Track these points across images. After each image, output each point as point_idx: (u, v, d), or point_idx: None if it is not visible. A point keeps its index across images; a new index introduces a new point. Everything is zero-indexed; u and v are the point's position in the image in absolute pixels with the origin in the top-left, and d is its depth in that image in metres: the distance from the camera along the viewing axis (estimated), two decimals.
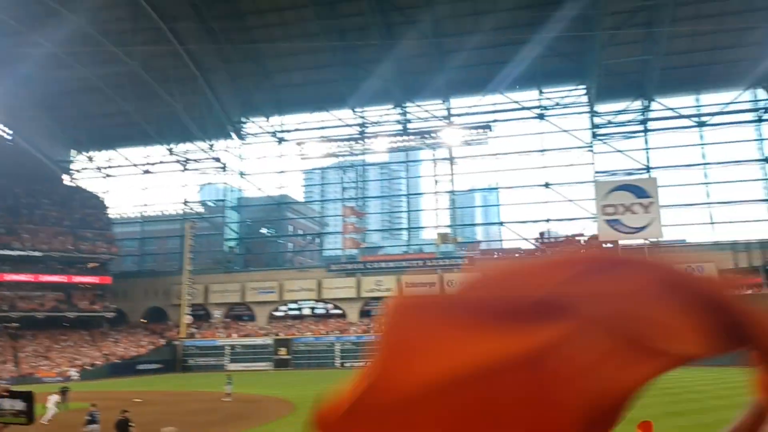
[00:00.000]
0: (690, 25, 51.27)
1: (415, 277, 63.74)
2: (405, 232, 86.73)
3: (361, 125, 70.02)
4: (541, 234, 66.57)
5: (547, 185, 65.34)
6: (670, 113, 62.77)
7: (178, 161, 73.95)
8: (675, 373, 1.06)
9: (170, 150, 73.65)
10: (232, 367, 58.27)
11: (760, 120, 61.08)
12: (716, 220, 61.35)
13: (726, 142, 61.92)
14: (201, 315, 67.24)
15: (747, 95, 61.06)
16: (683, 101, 62.87)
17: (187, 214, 74.66)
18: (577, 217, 64.85)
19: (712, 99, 62.27)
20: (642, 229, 59.91)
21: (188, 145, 72.70)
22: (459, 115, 67.69)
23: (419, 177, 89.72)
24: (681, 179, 62.57)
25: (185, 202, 76.65)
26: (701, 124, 62.31)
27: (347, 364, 56.45)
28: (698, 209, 62.25)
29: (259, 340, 62.32)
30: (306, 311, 66.59)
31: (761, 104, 60.67)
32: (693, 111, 62.91)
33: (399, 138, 66.67)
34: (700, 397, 26.81)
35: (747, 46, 53.71)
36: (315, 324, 64.39)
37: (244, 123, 73.05)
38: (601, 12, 50.28)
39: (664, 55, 54.65)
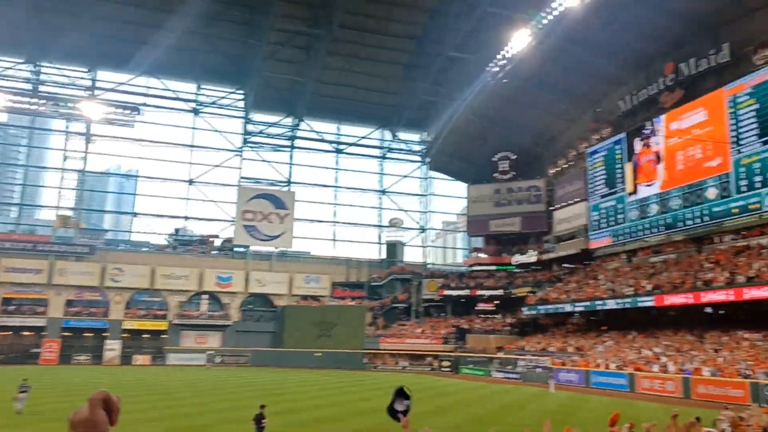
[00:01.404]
0: (342, 62, 56.72)
1: (19, 262, 54.29)
2: (16, 208, 73.88)
3: None
4: (176, 230, 64.40)
5: (191, 182, 63.66)
6: (314, 135, 68.18)
7: None
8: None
9: None
10: None
11: (383, 157, 71.09)
12: (338, 238, 68.69)
13: (355, 171, 70.18)
14: None
15: (377, 134, 70.53)
16: (327, 127, 69.07)
17: None
18: (216, 219, 64.78)
19: (350, 130, 69.99)
20: (275, 237, 63.16)
21: None
22: (105, 89, 61.11)
23: (46, 149, 77.94)
24: (315, 196, 68.34)
25: None
26: (338, 151, 69.34)
27: None
28: (325, 226, 68.76)
29: None
30: None
31: (386, 144, 70.75)
32: (333, 137, 69.60)
33: (25, 99, 56.55)
34: (300, 398, 28.72)
35: (385, 92, 62.09)
36: None
37: None
38: (269, 25, 51.73)
39: (316, 81, 59.19)
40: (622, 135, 47.42)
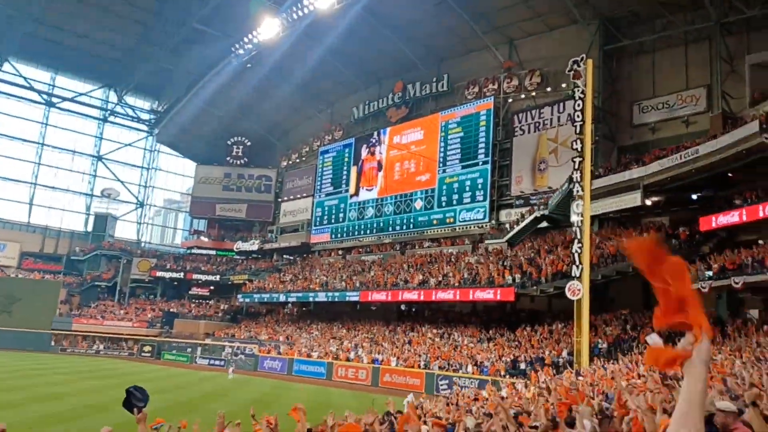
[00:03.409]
0: (71, 6, 49.10)
1: None
2: None
3: None
4: None
5: None
6: (21, 81, 58.14)
7: None
8: None
9: None
10: None
11: (104, 120, 63.86)
12: (36, 202, 59.49)
13: (68, 129, 61.65)
14: None
15: (100, 93, 63.09)
16: (40, 75, 59.46)
17: None
18: None
19: (68, 84, 61.29)
20: None
21: None
22: None
23: None
24: (13, 152, 58.23)
25: None
26: (50, 104, 60.22)
27: None
28: (21, 186, 58.99)
29: None
30: None
31: (110, 106, 63.70)
32: (45, 87, 60.24)
33: None
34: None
35: (117, 49, 55.59)
36: None
37: None
38: None
39: (36, 21, 50.35)
40: (352, 140, 50.46)
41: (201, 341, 47.15)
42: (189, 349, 46.09)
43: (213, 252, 60.31)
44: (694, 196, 28.74)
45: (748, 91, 28.48)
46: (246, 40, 45.78)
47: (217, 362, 42.55)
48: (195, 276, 56.08)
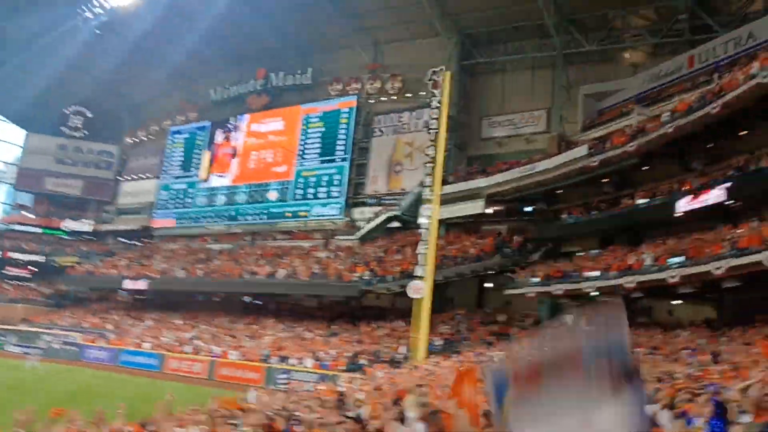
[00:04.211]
0: None
1: None
2: None
3: None
4: None
5: None
6: None
7: None
8: None
9: None
10: None
11: None
12: None
13: None
14: None
15: None
16: None
17: None
18: None
19: None
20: None
21: None
22: None
23: None
24: None
25: None
26: None
27: None
28: None
29: None
30: None
31: None
32: None
33: None
34: None
35: None
36: None
37: None
38: None
39: None
40: (208, 123, 48.25)
41: (11, 327, 42.24)
42: (2, 336, 41.11)
43: (39, 230, 54.47)
44: (529, 208, 31.19)
45: (581, 117, 31.55)
46: (96, 3, 42.02)
47: (32, 351, 38.36)
48: (13, 255, 50.25)
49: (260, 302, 39.92)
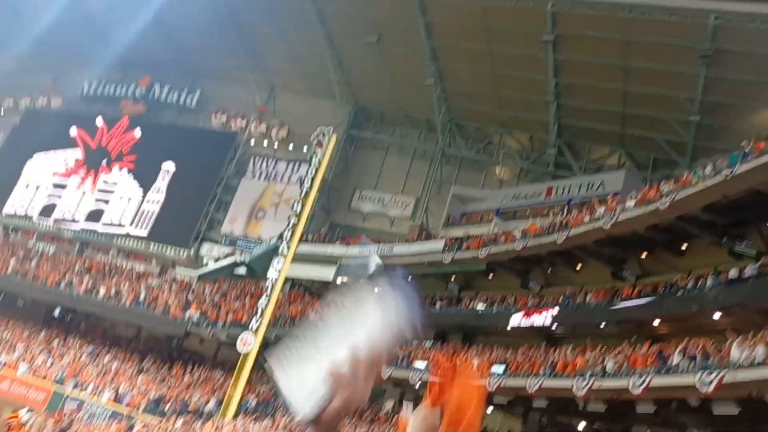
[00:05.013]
0: None
1: None
2: None
3: None
4: None
5: None
6: None
7: None
8: None
9: None
10: None
11: None
12: None
13: None
14: None
15: None
16: None
17: None
18: None
19: None
20: None
21: None
22: None
23: None
24: None
25: None
26: None
27: None
28: None
29: None
30: None
31: None
32: None
33: None
34: None
35: None
36: None
37: None
38: None
39: None
40: (70, 115, 44.29)
41: None
42: None
43: None
44: None
45: (445, 213, 33.07)
46: None
47: None
48: None
49: (70, 318, 35.92)
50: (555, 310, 23.07)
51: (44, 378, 28.10)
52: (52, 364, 29.77)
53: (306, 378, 1.20)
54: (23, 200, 42.33)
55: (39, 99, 46.48)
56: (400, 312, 1.25)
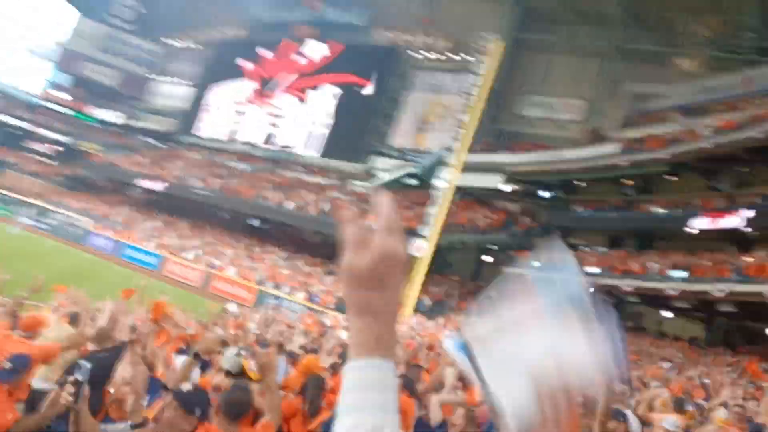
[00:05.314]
0: None
1: None
2: None
3: None
4: None
5: None
6: None
7: None
8: None
9: None
10: None
11: None
12: None
13: None
14: None
15: None
16: None
17: None
18: None
19: None
20: None
21: None
22: None
23: None
24: None
25: None
26: None
27: None
28: None
29: None
30: None
31: None
32: None
33: None
34: None
35: None
36: None
37: None
38: None
39: None
40: (252, 42, 47.97)
41: (27, 198, 43.29)
42: (14, 204, 42.25)
43: (71, 112, 55.20)
44: (545, 194, 30.92)
45: (622, 114, 30.89)
46: None
47: (43, 226, 39.47)
48: (42, 131, 51.18)
49: (267, 227, 40.50)
50: (750, 213, 21.04)
51: (248, 280, 32.37)
52: (254, 267, 34.14)
53: (511, 385, 1.04)
54: (216, 125, 47.55)
55: (217, 30, 50.47)
56: (608, 348, 1.04)
